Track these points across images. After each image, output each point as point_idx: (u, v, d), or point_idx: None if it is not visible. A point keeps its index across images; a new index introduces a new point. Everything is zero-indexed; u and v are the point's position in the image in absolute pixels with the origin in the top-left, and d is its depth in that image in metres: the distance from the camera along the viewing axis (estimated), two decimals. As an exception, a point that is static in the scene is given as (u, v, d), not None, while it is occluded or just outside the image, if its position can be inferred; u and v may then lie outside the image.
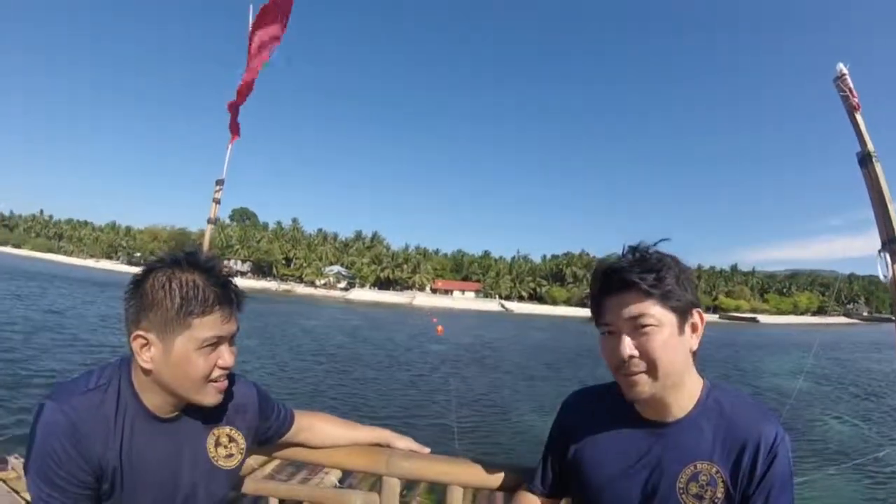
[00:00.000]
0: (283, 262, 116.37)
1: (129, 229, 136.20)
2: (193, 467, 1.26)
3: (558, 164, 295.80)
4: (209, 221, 2.87)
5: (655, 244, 1.16)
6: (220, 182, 2.89)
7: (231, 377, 1.31)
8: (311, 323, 37.12)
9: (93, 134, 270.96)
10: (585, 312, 1.48)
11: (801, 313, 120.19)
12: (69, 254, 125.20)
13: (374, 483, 3.79)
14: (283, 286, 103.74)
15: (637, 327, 1.09)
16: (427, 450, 1.68)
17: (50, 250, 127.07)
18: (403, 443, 1.68)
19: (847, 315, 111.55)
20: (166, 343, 1.12)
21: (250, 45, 2.78)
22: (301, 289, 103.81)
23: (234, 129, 2.99)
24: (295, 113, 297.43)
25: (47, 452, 1.08)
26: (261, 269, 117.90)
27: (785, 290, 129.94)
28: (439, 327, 37.36)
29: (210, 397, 1.20)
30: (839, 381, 23.80)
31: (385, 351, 25.16)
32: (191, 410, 1.25)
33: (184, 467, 1.24)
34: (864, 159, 1.71)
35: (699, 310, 1.15)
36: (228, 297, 1.18)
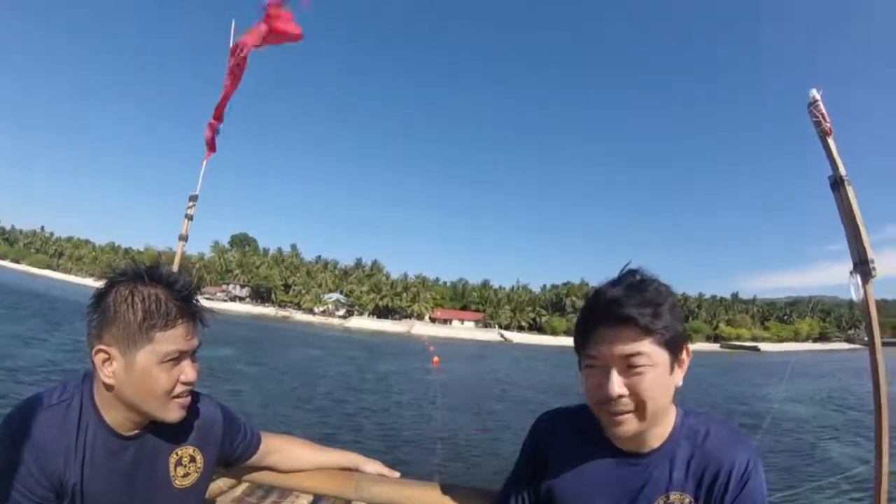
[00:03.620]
0: (282, 288, 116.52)
1: (128, 251, 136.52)
2: (152, 487, 1.23)
3: (558, 193, 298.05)
4: (180, 237, 2.85)
5: (641, 278, 1.09)
6: (193, 198, 2.84)
7: (196, 396, 1.29)
8: (307, 350, 36.92)
9: (97, 153, 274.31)
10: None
11: (803, 340, 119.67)
12: (68, 272, 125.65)
13: None
14: (282, 312, 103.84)
15: (629, 365, 1.04)
16: (397, 474, 1.64)
17: (49, 267, 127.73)
18: (372, 466, 1.64)
19: (849, 340, 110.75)
20: (128, 357, 1.10)
21: (230, 61, 2.80)
22: (299, 315, 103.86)
23: (211, 145, 2.97)
24: (297, 137, 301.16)
25: (6, 467, 1.06)
26: (259, 295, 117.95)
27: (786, 318, 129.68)
28: (435, 359, 37.05)
29: (173, 413, 1.18)
30: (825, 403, 23.90)
31: (375, 379, 25.00)
32: (154, 428, 1.22)
33: (143, 486, 1.21)
34: (836, 183, 1.72)
35: (688, 346, 1.11)
36: (191, 312, 1.18)
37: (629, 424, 1.07)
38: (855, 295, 1.63)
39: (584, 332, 1.12)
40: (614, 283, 1.09)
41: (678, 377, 1.09)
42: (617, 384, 1.04)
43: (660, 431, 1.12)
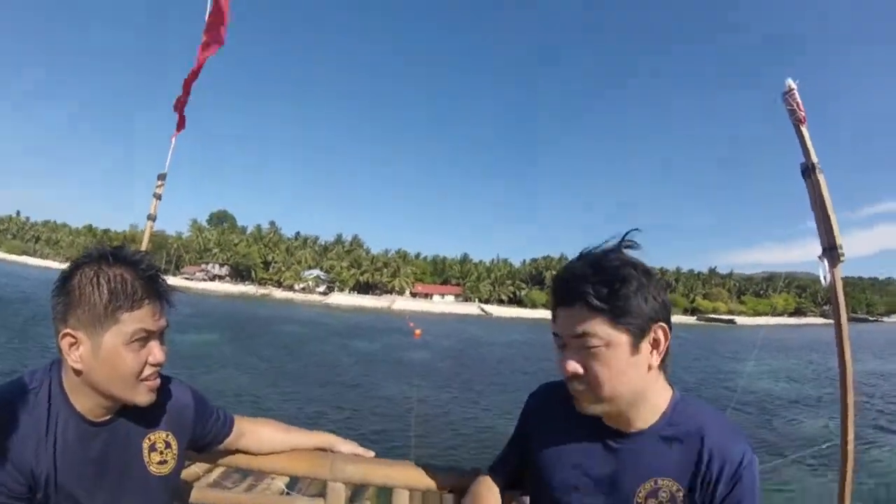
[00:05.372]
0: (262, 265, 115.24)
1: (106, 232, 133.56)
2: (126, 473, 1.22)
3: (539, 167, 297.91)
4: (149, 217, 2.80)
5: (623, 239, 1.07)
6: (161, 177, 2.81)
7: (166, 379, 1.28)
8: (287, 328, 36.84)
9: (73, 136, 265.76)
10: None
11: (779, 314, 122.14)
12: (45, 257, 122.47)
13: (322, 489, 3.79)
14: (262, 290, 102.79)
15: (583, 346, 1.02)
16: (371, 453, 1.66)
17: (25, 253, 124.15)
18: (347, 447, 1.66)
19: (824, 315, 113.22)
20: (95, 340, 1.08)
21: (205, 36, 2.76)
22: (279, 293, 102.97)
23: (181, 122, 2.94)
24: (274, 112, 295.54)
25: None
26: (239, 273, 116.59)
27: (762, 292, 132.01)
28: (417, 330, 37.26)
29: (142, 396, 1.16)
30: (795, 377, 24.69)
31: (357, 356, 25.09)
32: (126, 413, 1.21)
33: (116, 473, 1.20)
34: (808, 170, 1.79)
35: (663, 325, 1.04)
36: (157, 291, 1.16)
37: (587, 403, 1.06)
38: (824, 279, 1.71)
39: (551, 310, 1.11)
40: (579, 257, 1.08)
41: (650, 358, 1.04)
42: (570, 365, 1.04)
43: (647, 415, 1.09)
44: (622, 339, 1.00)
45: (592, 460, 1.13)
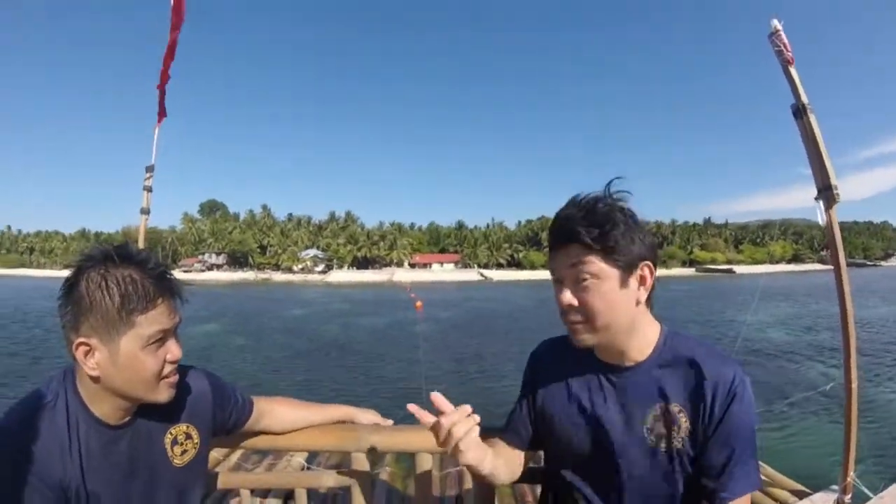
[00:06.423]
0: (258, 250, 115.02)
1: (98, 234, 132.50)
2: (153, 471, 1.21)
3: (525, 121, 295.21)
4: (142, 212, 2.77)
5: (608, 188, 1.15)
6: (149, 168, 2.77)
7: (181, 370, 1.24)
8: (290, 311, 36.95)
9: (52, 140, 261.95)
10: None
11: (777, 262, 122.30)
12: (42, 266, 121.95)
13: (342, 459, 3.80)
14: (261, 275, 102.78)
15: (577, 279, 1.11)
16: (390, 421, 1.68)
17: (22, 265, 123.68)
18: (367, 417, 1.68)
19: (822, 261, 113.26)
20: (111, 346, 1.05)
21: (173, 18, 2.69)
22: (279, 276, 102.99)
23: (161, 110, 2.88)
24: (258, 93, 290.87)
25: (5, 484, 1.01)
26: (236, 261, 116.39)
27: (759, 241, 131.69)
28: (418, 303, 37.34)
29: (164, 394, 1.15)
30: (797, 326, 24.78)
31: (363, 331, 25.25)
32: (143, 412, 1.19)
33: (144, 472, 1.20)
34: (799, 111, 1.77)
35: (649, 264, 1.14)
36: (169, 289, 1.13)
37: (583, 334, 1.14)
38: (821, 219, 1.71)
39: (549, 250, 1.19)
40: (570, 202, 1.15)
41: (638, 293, 1.14)
42: (567, 297, 1.12)
43: (638, 345, 1.18)
44: (612, 273, 1.10)
45: (597, 397, 1.22)
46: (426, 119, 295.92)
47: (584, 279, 1.10)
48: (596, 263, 1.09)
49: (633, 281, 1.13)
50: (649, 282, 1.15)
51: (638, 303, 1.15)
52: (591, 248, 1.08)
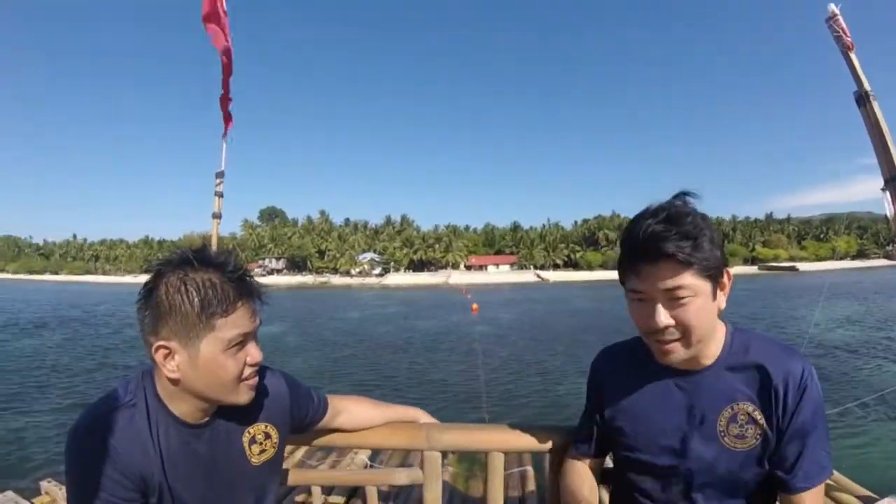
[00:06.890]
0: (317, 255, 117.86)
1: (161, 242, 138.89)
2: (232, 469, 1.23)
3: (581, 122, 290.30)
4: (214, 216, 2.89)
5: (680, 197, 1.11)
6: (219, 175, 2.86)
7: (259, 370, 1.23)
8: (348, 314, 37.64)
9: (118, 155, 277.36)
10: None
11: (841, 258, 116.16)
12: (107, 273, 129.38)
13: (404, 458, 3.89)
14: (320, 279, 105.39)
15: (673, 297, 1.07)
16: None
17: (87, 272, 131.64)
18: (427, 417, 1.74)
19: (888, 257, 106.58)
20: (191, 349, 1.06)
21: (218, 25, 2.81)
22: (337, 279, 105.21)
23: (227, 116, 2.96)
24: (317, 102, 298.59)
25: (88, 478, 1.03)
26: (296, 265, 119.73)
27: (822, 236, 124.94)
28: (474, 306, 37.26)
29: (244, 396, 1.16)
30: (865, 324, 23.30)
31: (420, 334, 25.43)
32: (223, 412, 1.20)
33: (224, 470, 1.21)
34: (861, 98, 1.69)
35: (728, 269, 1.12)
36: (249, 291, 1.13)
37: (678, 352, 1.12)
38: (889, 211, 1.62)
39: (627, 268, 1.13)
40: (651, 214, 1.09)
41: (721, 301, 1.12)
42: (663, 316, 1.08)
43: (711, 350, 1.17)
44: (706, 286, 1.07)
45: (669, 403, 1.21)
46: (480, 120, 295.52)
47: (682, 297, 1.06)
48: (690, 279, 1.05)
49: (718, 289, 1.11)
50: (728, 288, 1.13)
51: (720, 310, 1.13)
52: (688, 263, 1.04)
